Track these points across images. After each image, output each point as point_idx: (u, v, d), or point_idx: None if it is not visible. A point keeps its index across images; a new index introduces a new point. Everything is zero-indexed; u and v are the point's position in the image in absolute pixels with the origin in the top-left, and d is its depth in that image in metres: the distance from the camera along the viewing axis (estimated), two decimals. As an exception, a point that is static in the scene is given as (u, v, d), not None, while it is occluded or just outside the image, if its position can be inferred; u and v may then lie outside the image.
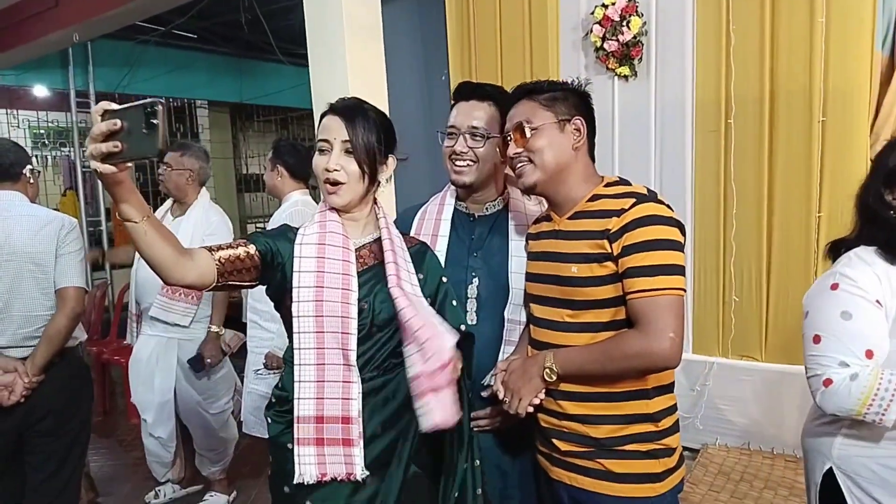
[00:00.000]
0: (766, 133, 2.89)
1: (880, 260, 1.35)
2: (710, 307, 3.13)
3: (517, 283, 1.60)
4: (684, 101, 3.09)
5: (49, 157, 7.15)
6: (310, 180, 2.95)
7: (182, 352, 2.90)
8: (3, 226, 2.18)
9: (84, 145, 6.60)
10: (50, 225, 2.24)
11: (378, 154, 1.42)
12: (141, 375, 2.96)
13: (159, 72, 6.84)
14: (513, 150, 1.47)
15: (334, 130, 1.39)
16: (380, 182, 1.47)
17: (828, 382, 1.32)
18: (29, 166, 2.33)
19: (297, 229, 1.44)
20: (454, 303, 1.52)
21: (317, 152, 1.42)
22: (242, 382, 3.03)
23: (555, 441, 1.45)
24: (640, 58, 3.16)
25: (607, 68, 3.24)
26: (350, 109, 1.41)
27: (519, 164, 1.47)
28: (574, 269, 1.39)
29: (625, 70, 3.19)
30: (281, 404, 1.42)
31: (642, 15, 3.10)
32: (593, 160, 1.52)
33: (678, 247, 1.35)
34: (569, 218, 1.46)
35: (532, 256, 1.56)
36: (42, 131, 7.00)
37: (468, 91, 1.68)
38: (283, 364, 1.46)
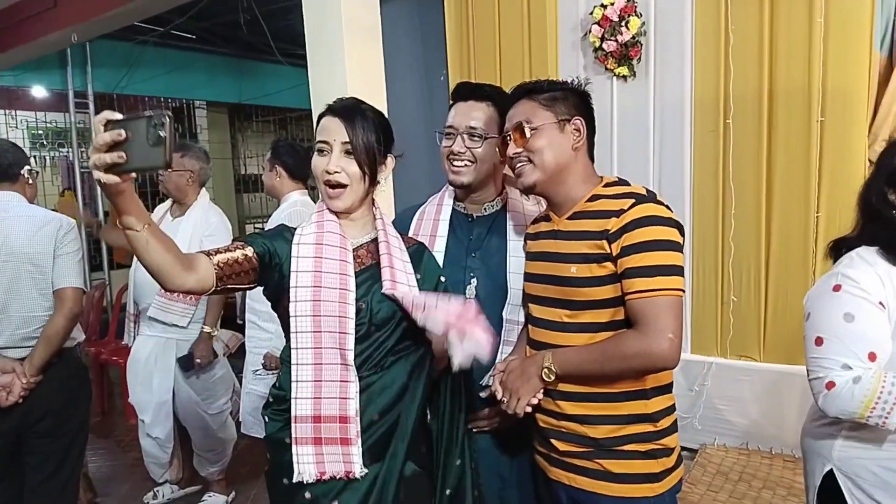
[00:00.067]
0: (765, 133, 2.89)
1: (882, 260, 1.34)
2: (708, 307, 3.13)
3: (515, 283, 1.60)
4: (683, 102, 3.09)
5: (47, 158, 7.14)
6: (308, 180, 2.95)
7: (180, 352, 2.90)
8: (1, 226, 2.18)
9: (87, 153, 6.65)
10: (48, 225, 2.24)
11: (378, 154, 1.42)
12: (139, 376, 2.96)
13: (158, 72, 6.84)
14: (512, 149, 1.47)
15: (333, 132, 1.39)
16: (379, 181, 1.47)
17: (830, 385, 1.31)
18: (27, 167, 2.33)
19: (295, 229, 1.44)
20: None
21: (315, 153, 1.42)
22: (241, 383, 3.03)
23: (553, 441, 1.45)
24: (639, 58, 3.16)
25: (606, 68, 3.24)
26: (349, 110, 1.41)
27: (518, 164, 1.47)
28: (573, 270, 1.39)
29: (623, 70, 3.19)
30: (278, 403, 1.42)
31: (641, 15, 3.10)
32: (592, 160, 1.52)
33: (677, 247, 1.35)
34: (568, 218, 1.46)
35: (531, 257, 1.56)
36: (40, 132, 7.00)
37: (467, 91, 1.68)
38: (281, 364, 1.46)
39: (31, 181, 2.36)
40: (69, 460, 2.32)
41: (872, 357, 1.30)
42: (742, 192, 2.97)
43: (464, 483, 1.48)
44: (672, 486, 1.42)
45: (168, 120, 1.01)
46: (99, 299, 5.14)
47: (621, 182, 1.47)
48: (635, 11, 3.09)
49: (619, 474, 1.38)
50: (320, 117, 1.44)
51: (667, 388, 1.44)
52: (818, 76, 2.74)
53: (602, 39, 3.18)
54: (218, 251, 1.32)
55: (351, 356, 1.35)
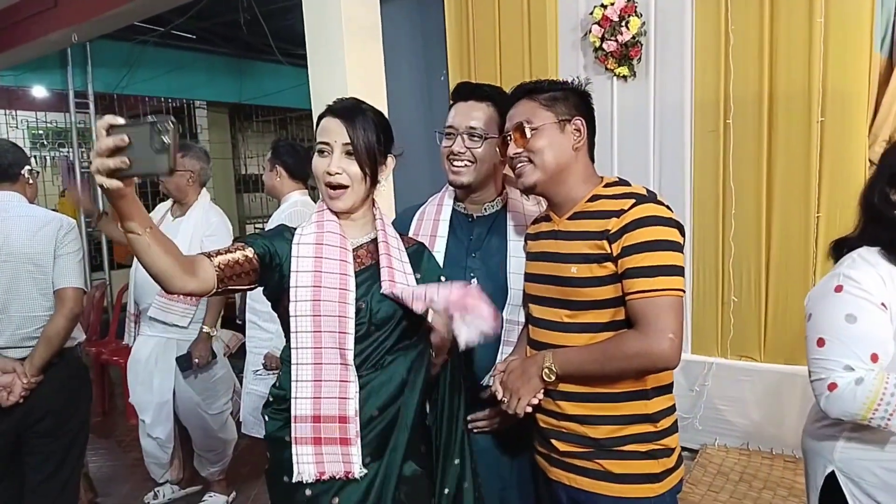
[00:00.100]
0: (765, 133, 2.89)
1: (884, 261, 1.33)
2: (709, 307, 3.13)
3: (516, 283, 1.60)
4: (683, 102, 3.09)
5: (48, 158, 7.15)
6: (309, 180, 2.95)
7: (181, 352, 2.89)
8: (1, 226, 2.18)
9: (88, 154, 6.65)
10: (48, 225, 2.24)
11: (378, 155, 1.42)
12: (140, 376, 2.96)
13: (158, 72, 6.83)
14: (513, 150, 1.47)
15: (334, 133, 1.39)
16: (379, 181, 1.47)
17: (832, 387, 1.30)
18: (27, 167, 2.33)
19: (295, 229, 1.44)
20: None
21: (316, 154, 1.42)
22: (241, 383, 3.03)
23: (553, 441, 1.45)
24: (639, 58, 3.16)
25: (606, 68, 3.24)
26: (349, 111, 1.41)
27: (519, 164, 1.47)
28: (573, 270, 1.39)
29: (624, 70, 3.19)
30: (279, 402, 1.42)
31: (641, 15, 3.10)
32: (593, 160, 1.52)
33: (677, 248, 1.35)
34: (568, 218, 1.46)
35: (531, 257, 1.56)
36: (41, 132, 7.00)
37: (467, 91, 1.68)
38: (281, 364, 1.46)
39: (31, 181, 2.36)
40: (69, 460, 2.32)
41: (875, 358, 1.29)
42: (742, 192, 2.97)
43: (463, 483, 1.48)
44: (672, 487, 1.42)
45: (172, 126, 1.01)
46: (100, 299, 5.14)
47: (622, 182, 1.47)
48: (635, 11, 3.09)
49: (619, 475, 1.38)
50: (320, 118, 1.44)
51: (667, 389, 1.44)
52: (818, 77, 2.74)
53: (602, 39, 3.18)
54: (218, 252, 1.32)
55: (351, 356, 1.35)
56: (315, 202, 1.60)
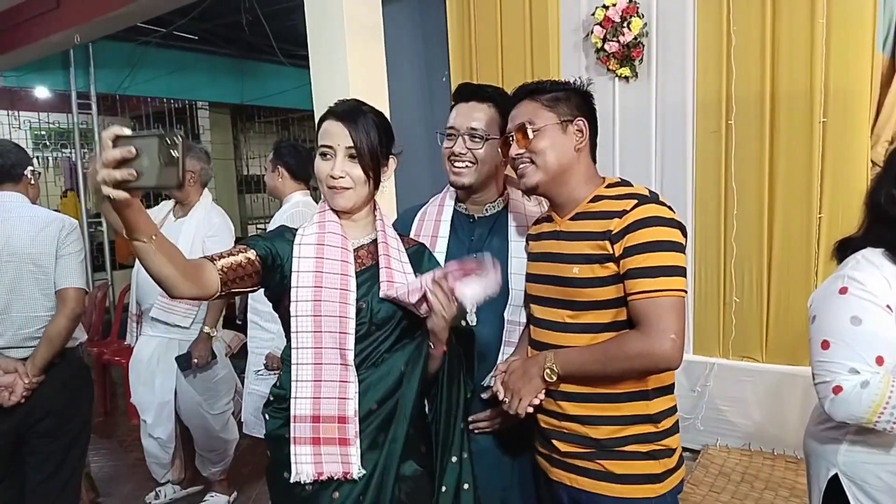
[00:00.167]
0: (767, 134, 2.88)
1: (888, 262, 1.32)
2: (710, 308, 3.12)
3: (517, 284, 1.60)
4: (685, 102, 3.09)
5: (50, 159, 7.16)
6: (311, 181, 2.95)
7: (182, 353, 2.90)
8: (3, 227, 2.18)
9: (90, 154, 6.65)
10: (50, 226, 2.24)
11: (381, 157, 1.43)
12: (141, 376, 2.96)
13: (160, 73, 6.84)
14: (515, 150, 1.47)
15: (337, 136, 1.39)
16: (381, 182, 1.47)
17: (837, 390, 1.29)
18: (30, 167, 2.33)
19: (296, 230, 1.45)
20: None
21: (318, 157, 1.42)
22: (243, 383, 3.03)
23: (554, 442, 1.45)
24: (641, 59, 3.16)
25: (608, 69, 3.24)
26: (351, 113, 1.41)
27: (521, 165, 1.47)
28: (575, 270, 1.39)
29: (625, 71, 3.19)
30: (279, 402, 1.42)
31: (643, 16, 3.10)
32: (595, 161, 1.52)
33: (679, 248, 1.35)
34: (570, 219, 1.46)
35: (532, 257, 1.56)
36: (43, 132, 7.01)
37: (468, 92, 1.68)
38: (282, 364, 1.47)
39: (33, 182, 2.36)
40: (70, 460, 2.32)
41: (880, 361, 1.28)
42: (744, 193, 2.97)
43: (461, 481, 1.47)
44: (674, 487, 1.42)
45: (181, 140, 1.01)
46: (101, 300, 5.15)
47: (624, 183, 1.46)
48: (637, 12, 3.09)
49: (620, 475, 1.38)
50: (322, 120, 1.44)
51: (668, 389, 1.44)
52: (820, 77, 2.74)
53: (604, 40, 3.18)
54: (221, 256, 1.33)
55: (351, 356, 1.35)
56: (317, 202, 1.60)
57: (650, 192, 1.42)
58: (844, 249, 1.43)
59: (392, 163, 1.49)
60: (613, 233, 1.35)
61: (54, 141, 7.05)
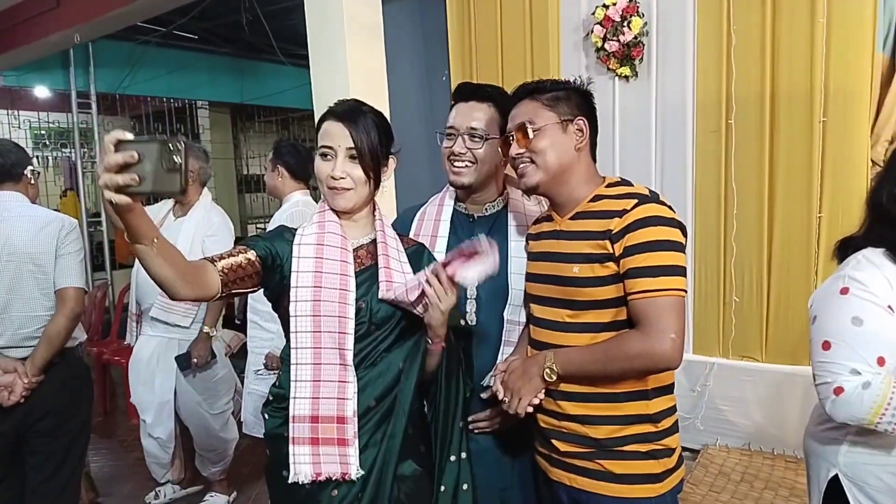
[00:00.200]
0: (767, 133, 2.88)
1: (889, 262, 1.31)
2: (710, 308, 3.12)
3: (517, 283, 1.60)
4: (685, 102, 3.09)
5: (50, 158, 7.15)
6: (310, 181, 2.95)
7: (182, 352, 2.90)
8: (3, 226, 2.18)
9: (89, 154, 6.65)
10: (50, 225, 2.24)
11: (381, 157, 1.43)
12: (141, 376, 2.96)
13: (160, 72, 6.84)
14: (515, 150, 1.46)
15: (338, 137, 1.39)
16: (381, 182, 1.47)
17: (839, 391, 1.28)
18: (30, 167, 2.34)
19: (295, 230, 1.45)
20: None
21: (319, 157, 1.42)
22: (242, 383, 3.03)
23: (554, 442, 1.45)
24: (641, 58, 3.16)
25: (608, 69, 3.24)
26: (352, 113, 1.41)
27: (521, 165, 1.47)
28: (575, 270, 1.39)
29: (625, 70, 3.19)
30: (278, 401, 1.42)
31: (643, 15, 3.10)
32: (595, 160, 1.52)
33: (680, 248, 1.35)
34: (570, 218, 1.46)
35: (532, 257, 1.56)
36: (43, 132, 7.01)
37: (468, 92, 1.68)
38: (281, 363, 1.47)
39: (33, 181, 2.37)
40: (70, 460, 2.33)
41: (881, 362, 1.27)
42: (744, 192, 2.97)
43: (459, 481, 1.47)
44: (673, 487, 1.42)
45: (183, 146, 1.01)
46: (101, 299, 5.15)
47: (624, 182, 1.46)
48: (637, 12, 3.09)
49: (620, 475, 1.38)
50: (322, 120, 1.44)
51: (668, 389, 1.43)
52: (820, 77, 2.74)
53: (604, 40, 3.18)
54: (222, 257, 1.33)
55: (350, 356, 1.35)
56: (317, 202, 1.60)
57: (650, 191, 1.42)
58: (845, 249, 1.42)
59: (392, 162, 1.49)
60: (614, 232, 1.35)
61: (54, 140, 7.04)
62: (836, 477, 1.38)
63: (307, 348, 1.35)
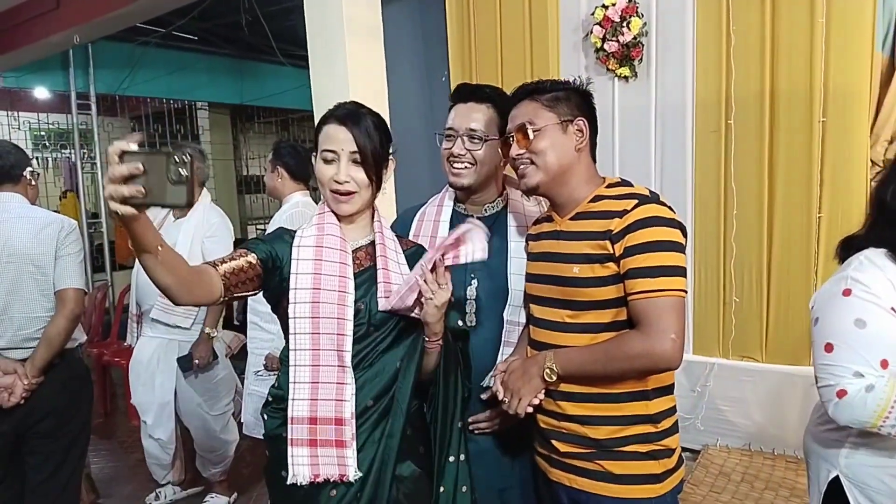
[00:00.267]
0: (767, 134, 2.88)
1: (891, 263, 1.30)
2: (710, 308, 3.12)
3: (516, 284, 1.60)
4: (685, 102, 3.09)
5: (49, 159, 7.15)
6: (310, 181, 2.95)
7: (182, 353, 2.90)
8: (3, 228, 2.18)
9: (89, 155, 6.64)
10: (50, 227, 2.24)
11: (383, 160, 1.43)
12: (141, 377, 2.96)
13: (160, 73, 6.84)
14: (515, 151, 1.46)
15: (341, 140, 1.39)
16: (382, 184, 1.47)
17: (842, 393, 1.27)
18: (29, 168, 2.34)
19: (294, 231, 1.45)
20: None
21: (320, 160, 1.42)
22: (243, 384, 3.03)
23: (554, 442, 1.45)
24: (641, 58, 3.16)
25: (607, 69, 3.24)
26: (353, 117, 1.41)
27: (521, 166, 1.47)
28: (576, 270, 1.39)
29: (625, 71, 3.19)
30: (277, 402, 1.43)
31: (642, 16, 3.09)
32: (595, 161, 1.52)
33: (680, 248, 1.35)
34: (570, 219, 1.46)
35: (532, 257, 1.56)
36: (42, 133, 7.00)
37: (467, 93, 1.68)
38: (281, 364, 1.47)
39: (33, 182, 2.37)
40: (70, 461, 2.33)
41: (885, 364, 1.26)
42: (744, 192, 2.97)
43: (458, 483, 1.47)
44: (673, 487, 1.42)
45: (190, 158, 1.00)
46: (101, 300, 5.15)
47: (624, 183, 1.46)
48: (637, 12, 3.09)
49: (620, 475, 1.38)
50: (322, 124, 1.44)
51: (668, 389, 1.43)
52: (820, 77, 2.74)
53: (603, 40, 3.18)
54: (223, 261, 1.33)
55: (348, 357, 1.36)
56: (317, 203, 1.60)
57: (650, 192, 1.42)
58: (848, 248, 1.41)
59: (391, 164, 1.49)
60: (614, 232, 1.35)
61: (54, 142, 7.04)
62: (836, 478, 1.38)
63: (306, 350, 1.35)
